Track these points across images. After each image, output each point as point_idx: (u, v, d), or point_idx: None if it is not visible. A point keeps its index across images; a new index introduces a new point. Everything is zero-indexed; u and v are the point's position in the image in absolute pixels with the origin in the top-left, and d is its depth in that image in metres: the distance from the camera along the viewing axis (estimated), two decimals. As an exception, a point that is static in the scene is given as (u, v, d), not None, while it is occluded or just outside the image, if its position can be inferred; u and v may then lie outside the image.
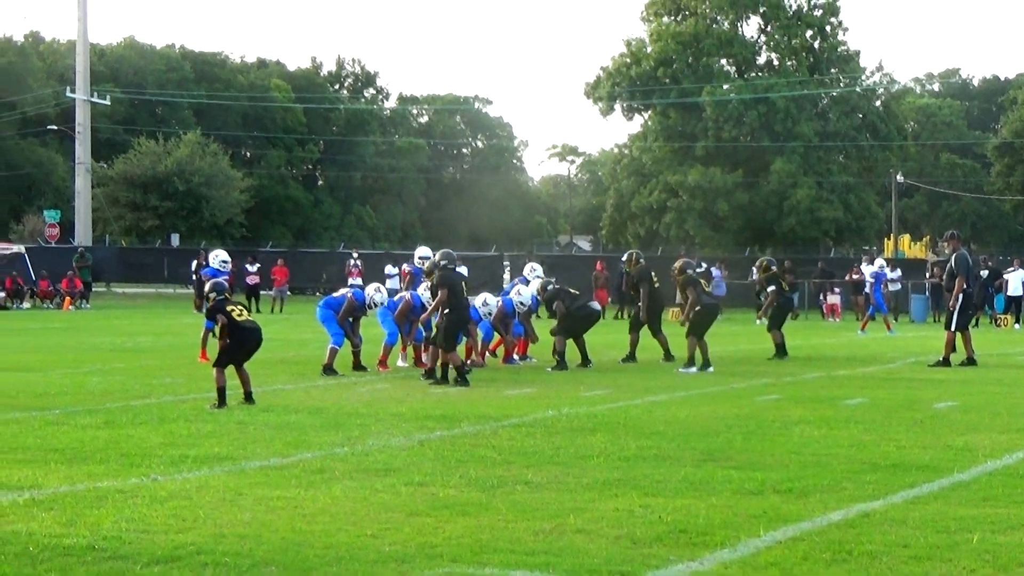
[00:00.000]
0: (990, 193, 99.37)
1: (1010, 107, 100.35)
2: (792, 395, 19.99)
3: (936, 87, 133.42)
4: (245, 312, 18.64)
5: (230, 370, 18.09)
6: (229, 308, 18.34)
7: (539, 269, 28.28)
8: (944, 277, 27.88)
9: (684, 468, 12.81)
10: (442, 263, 22.27)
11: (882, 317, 41.58)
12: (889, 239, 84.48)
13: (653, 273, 27.66)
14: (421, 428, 15.81)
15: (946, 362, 25.95)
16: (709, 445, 14.37)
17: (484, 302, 25.60)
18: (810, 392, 20.58)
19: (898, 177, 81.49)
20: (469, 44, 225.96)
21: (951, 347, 26.14)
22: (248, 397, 18.26)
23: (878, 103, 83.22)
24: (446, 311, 21.84)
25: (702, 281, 27.20)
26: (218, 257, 27.20)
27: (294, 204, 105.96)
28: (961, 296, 26.06)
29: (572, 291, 27.00)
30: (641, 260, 28.23)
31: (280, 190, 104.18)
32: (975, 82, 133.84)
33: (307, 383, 21.75)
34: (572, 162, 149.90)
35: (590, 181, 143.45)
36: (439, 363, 21.92)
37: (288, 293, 56.83)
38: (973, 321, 34.98)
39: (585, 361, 25.60)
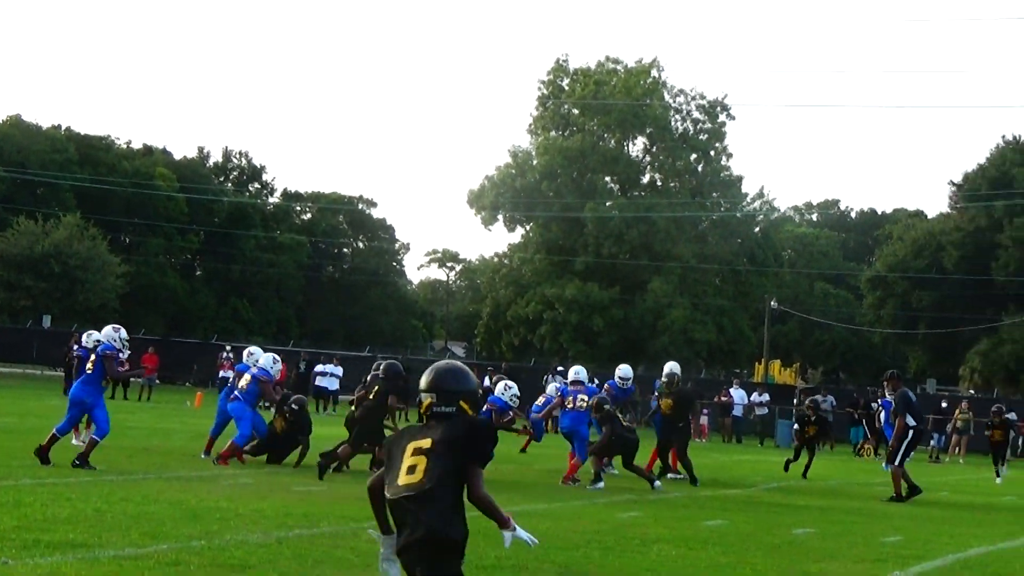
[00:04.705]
0: (861, 324, 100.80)
1: (885, 241, 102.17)
2: (653, 513, 20.09)
3: (815, 217, 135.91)
4: None
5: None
6: None
7: (514, 388, 26.96)
8: (886, 415, 28.86)
9: (541, 580, 12.83)
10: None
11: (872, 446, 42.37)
12: (760, 363, 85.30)
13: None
14: (280, 526, 15.68)
15: (901, 496, 26.10)
16: (568, 559, 14.40)
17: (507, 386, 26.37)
18: (671, 511, 20.69)
19: (772, 303, 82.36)
20: (357, 145, 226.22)
21: (899, 481, 26.32)
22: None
23: (757, 229, 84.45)
24: None
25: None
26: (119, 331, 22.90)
27: (170, 292, 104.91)
28: (911, 432, 26.29)
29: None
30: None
31: (157, 277, 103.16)
32: (853, 214, 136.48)
33: (169, 473, 21.52)
34: (451, 268, 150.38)
35: (468, 288, 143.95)
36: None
37: (157, 381, 56.24)
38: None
39: None
